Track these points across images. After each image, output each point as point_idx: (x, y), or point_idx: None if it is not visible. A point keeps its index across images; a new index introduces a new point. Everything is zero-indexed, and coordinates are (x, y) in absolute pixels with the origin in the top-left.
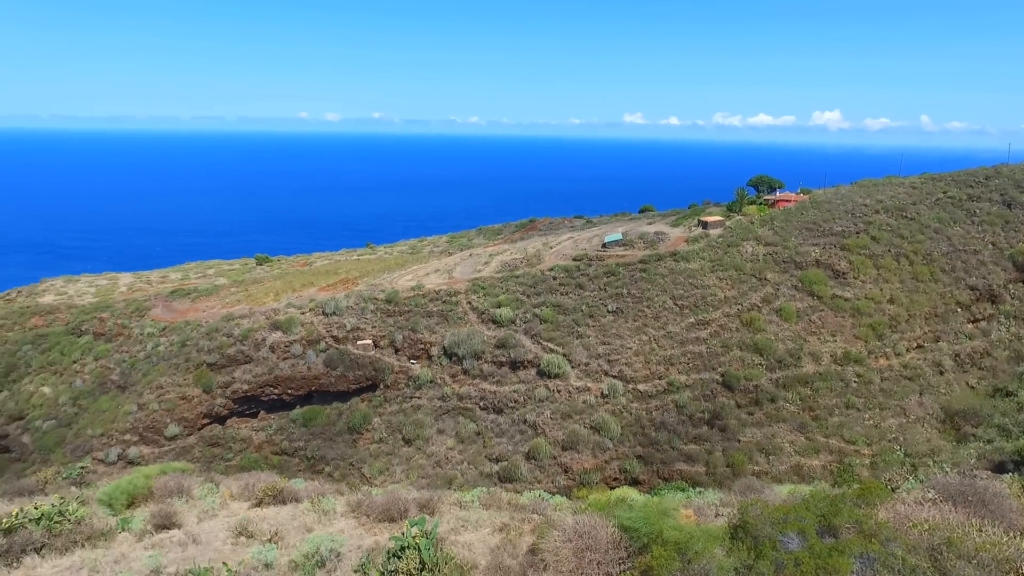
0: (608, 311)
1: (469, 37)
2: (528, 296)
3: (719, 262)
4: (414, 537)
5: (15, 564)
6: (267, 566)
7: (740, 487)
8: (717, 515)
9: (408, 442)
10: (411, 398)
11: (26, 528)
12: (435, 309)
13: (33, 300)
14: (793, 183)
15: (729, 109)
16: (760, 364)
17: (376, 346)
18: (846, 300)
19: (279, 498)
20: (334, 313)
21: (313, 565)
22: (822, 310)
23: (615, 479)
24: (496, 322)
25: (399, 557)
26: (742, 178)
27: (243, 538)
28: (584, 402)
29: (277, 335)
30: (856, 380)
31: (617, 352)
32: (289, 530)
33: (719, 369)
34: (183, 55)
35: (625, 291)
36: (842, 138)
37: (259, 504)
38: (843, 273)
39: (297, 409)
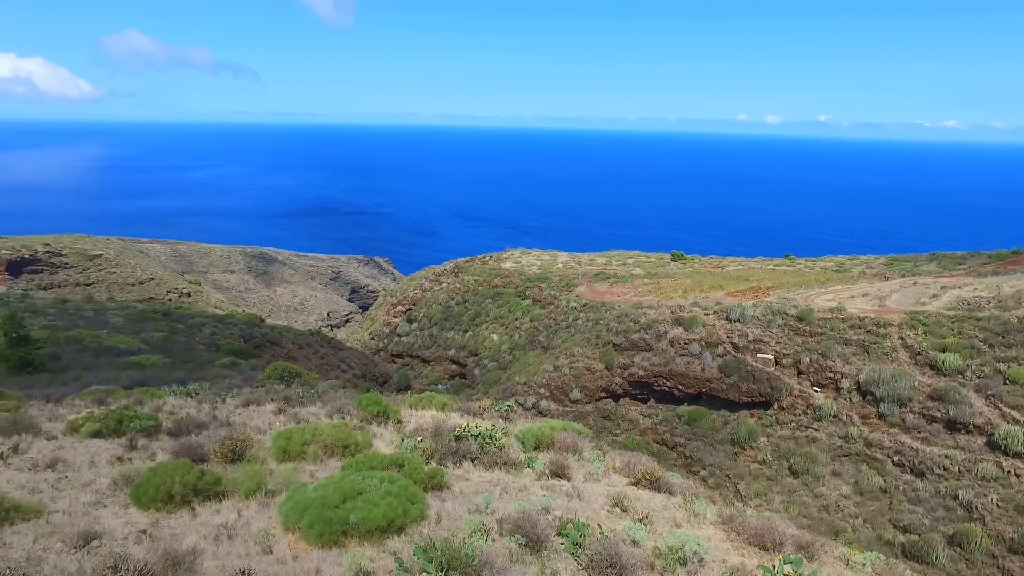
0: None
1: (946, 31)
2: (991, 346)
3: None
4: (786, 575)
5: (458, 464)
6: (634, 543)
7: None
8: None
9: (795, 473)
10: (807, 427)
11: (467, 440)
12: (855, 337)
13: (498, 265)
14: None
15: None
16: None
17: (777, 363)
18: None
19: (654, 485)
20: (738, 320)
21: (675, 560)
22: None
23: None
24: (936, 368)
25: None
26: None
27: (617, 509)
28: None
29: (678, 331)
30: None
31: None
32: (658, 518)
33: None
34: (633, 62)
35: None
36: None
37: (636, 484)
38: None
39: (684, 406)
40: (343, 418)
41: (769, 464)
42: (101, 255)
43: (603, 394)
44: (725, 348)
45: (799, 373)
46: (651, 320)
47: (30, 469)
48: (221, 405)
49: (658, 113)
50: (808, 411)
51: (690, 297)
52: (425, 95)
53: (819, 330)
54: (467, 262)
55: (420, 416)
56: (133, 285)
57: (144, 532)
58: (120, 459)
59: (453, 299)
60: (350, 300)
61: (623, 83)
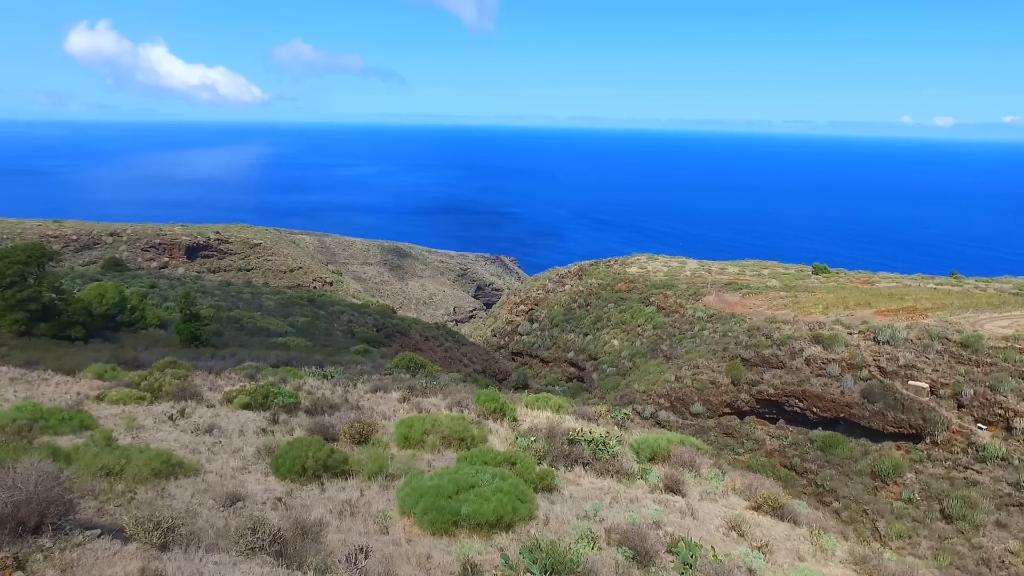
0: None
1: None
2: None
3: None
4: None
5: (570, 468)
6: (750, 572)
7: None
8: None
9: (947, 518)
10: (966, 468)
11: (581, 445)
12: None
13: (623, 269)
14: None
15: None
16: None
17: (932, 393)
18: None
19: (777, 512)
20: (887, 342)
21: None
22: None
23: None
24: None
25: None
26: None
27: (734, 533)
28: None
29: (816, 349)
30: None
31: None
32: (779, 548)
33: None
34: (781, 62)
35: None
36: None
37: (756, 508)
38: None
39: (818, 430)
40: (462, 411)
41: (916, 504)
42: (260, 244)
43: (727, 409)
44: (870, 371)
45: (959, 406)
46: (785, 336)
47: (192, 432)
48: (352, 389)
49: (806, 115)
50: (969, 450)
51: (831, 314)
52: (560, 97)
53: (988, 360)
54: (591, 265)
55: (535, 416)
56: (284, 272)
57: (280, 500)
58: (264, 431)
59: (575, 301)
60: (475, 297)
61: (767, 83)
